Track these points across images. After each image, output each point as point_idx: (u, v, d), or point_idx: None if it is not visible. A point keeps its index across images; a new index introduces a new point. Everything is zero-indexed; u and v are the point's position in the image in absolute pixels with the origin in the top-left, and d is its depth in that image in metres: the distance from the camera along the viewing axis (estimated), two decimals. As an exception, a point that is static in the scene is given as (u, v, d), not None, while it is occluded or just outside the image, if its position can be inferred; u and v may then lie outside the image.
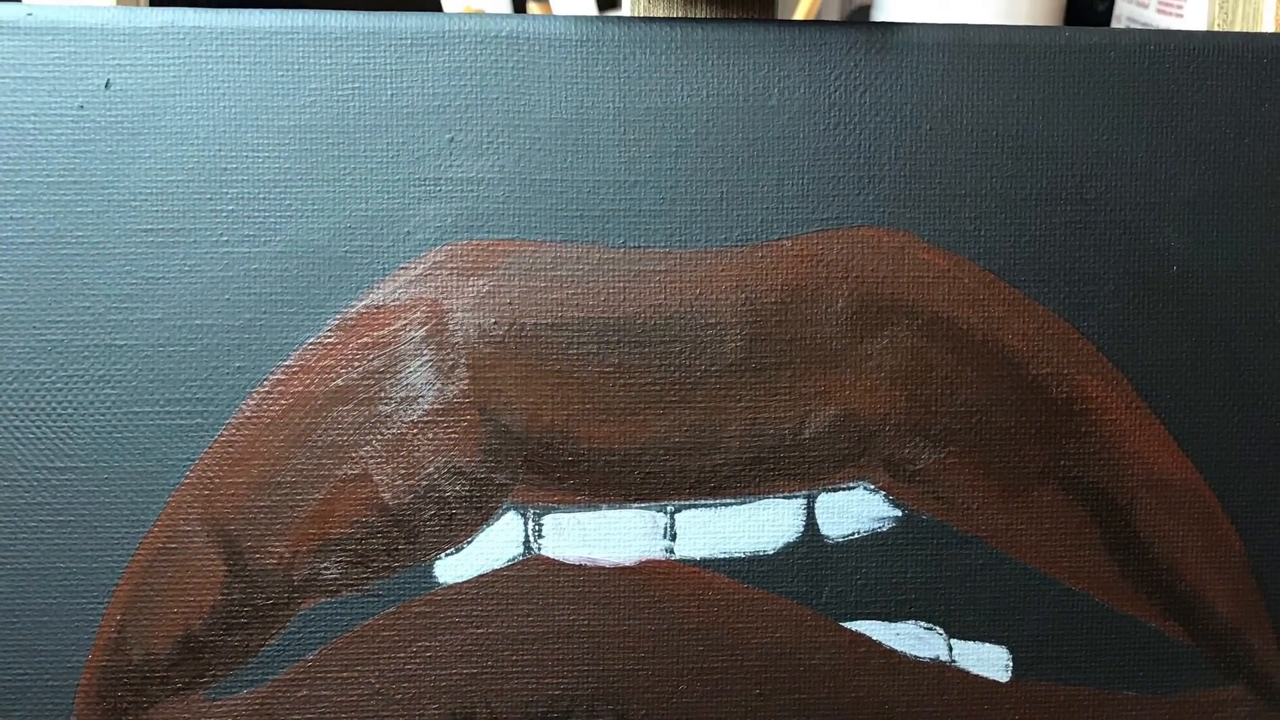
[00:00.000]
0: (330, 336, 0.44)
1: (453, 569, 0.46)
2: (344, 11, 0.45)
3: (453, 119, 0.45)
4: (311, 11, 0.45)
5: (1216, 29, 0.50)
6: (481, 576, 0.46)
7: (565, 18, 0.45)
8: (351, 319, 0.44)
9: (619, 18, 0.46)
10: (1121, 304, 0.48)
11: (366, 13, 0.45)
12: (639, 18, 0.46)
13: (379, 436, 0.45)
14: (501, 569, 0.46)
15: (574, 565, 0.47)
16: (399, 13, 0.45)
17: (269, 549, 0.45)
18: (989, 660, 0.48)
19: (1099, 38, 0.47)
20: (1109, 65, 0.47)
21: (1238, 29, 0.49)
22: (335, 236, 0.45)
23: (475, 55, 0.45)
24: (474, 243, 0.45)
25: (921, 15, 0.80)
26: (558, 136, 0.46)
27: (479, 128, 0.45)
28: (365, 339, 0.45)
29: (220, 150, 0.44)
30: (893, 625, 0.48)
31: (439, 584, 0.46)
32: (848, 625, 0.48)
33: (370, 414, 0.45)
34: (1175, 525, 0.48)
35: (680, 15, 0.48)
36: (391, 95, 0.45)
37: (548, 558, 0.46)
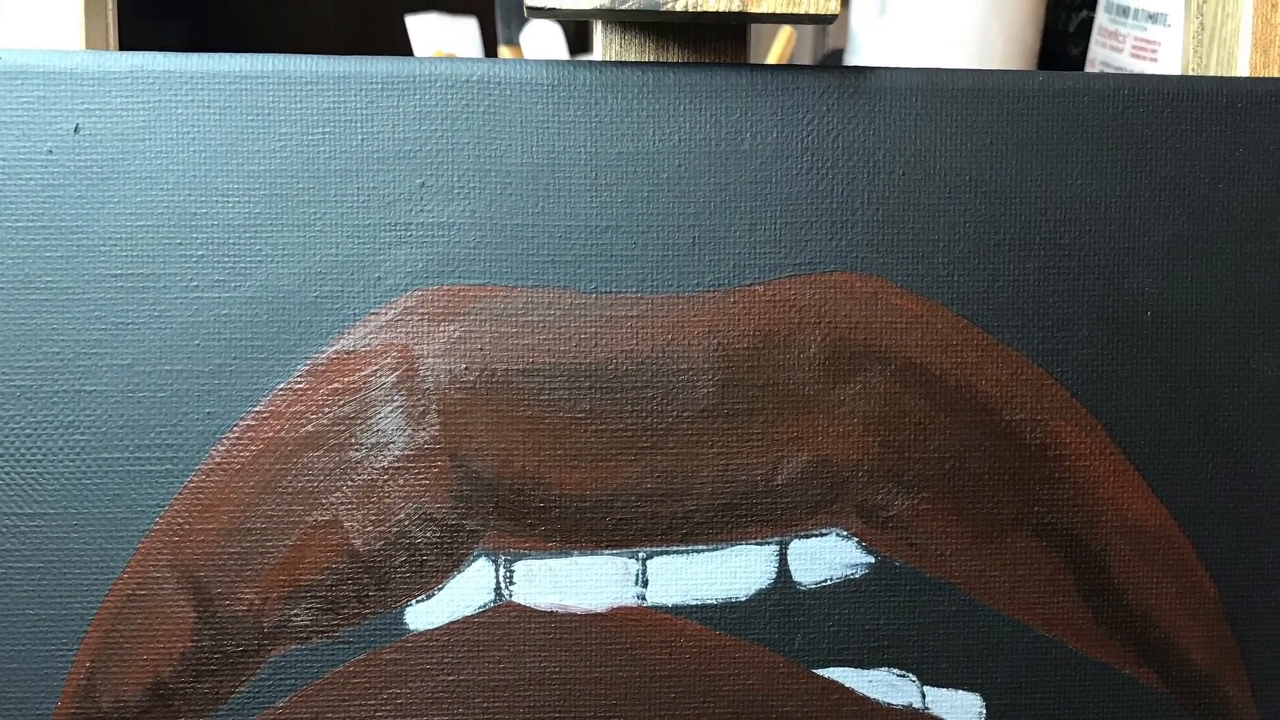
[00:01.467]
0: (300, 382, 0.42)
1: (424, 616, 0.44)
2: (314, 56, 0.43)
3: (423, 164, 0.43)
4: (282, 56, 0.43)
5: (1191, 73, 0.48)
6: (453, 623, 0.44)
7: (536, 62, 0.44)
8: (322, 364, 0.42)
9: (590, 62, 0.44)
10: (1095, 349, 0.46)
11: (337, 57, 0.43)
12: (610, 62, 0.44)
13: (350, 483, 0.43)
14: (473, 616, 0.44)
15: (545, 612, 0.45)
16: (369, 57, 0.43)
17: (239, 595, 0.43)
18: (962, 707, 0.46)
19: (1072, 82, 0.45)
20: (1083, 110, 0.45)
21: (1212, 73, 0.47)
22: (305, 282, 0.43)
23: (446, 100, 0.43)
24: (445, 288, 0.43)
25: (894, 59, 0.78)
26: (529, 181, 0.44)
27: (450, 172, 0.43)
28: (336, 384, 0.43)
29: (190, 195, 0.42)
30: (865, 672, 0.46)
31: (410, 631, 0.44)
32: (820, 672, 0.46)
33: (341, 460, 0.43)
34: (1149, 571, 0.46)
35: (652, 59, 0.46)
36: (362, 140, 0.43)
37: (519, 604, 0.44)
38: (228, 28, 1.00)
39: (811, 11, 0.43)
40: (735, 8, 0.43)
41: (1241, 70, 0.46)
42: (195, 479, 0.43)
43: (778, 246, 0.44)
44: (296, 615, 0.43)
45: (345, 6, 1.03)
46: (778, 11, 0.43)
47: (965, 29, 0.76)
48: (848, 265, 0.45)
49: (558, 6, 0.42)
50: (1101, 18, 0.78)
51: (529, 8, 0.42)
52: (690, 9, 0.43)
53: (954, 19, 0.76)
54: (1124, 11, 0.75)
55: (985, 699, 0.46)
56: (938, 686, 0.46)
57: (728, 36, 0.46)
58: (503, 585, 0.44)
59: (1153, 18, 0.72)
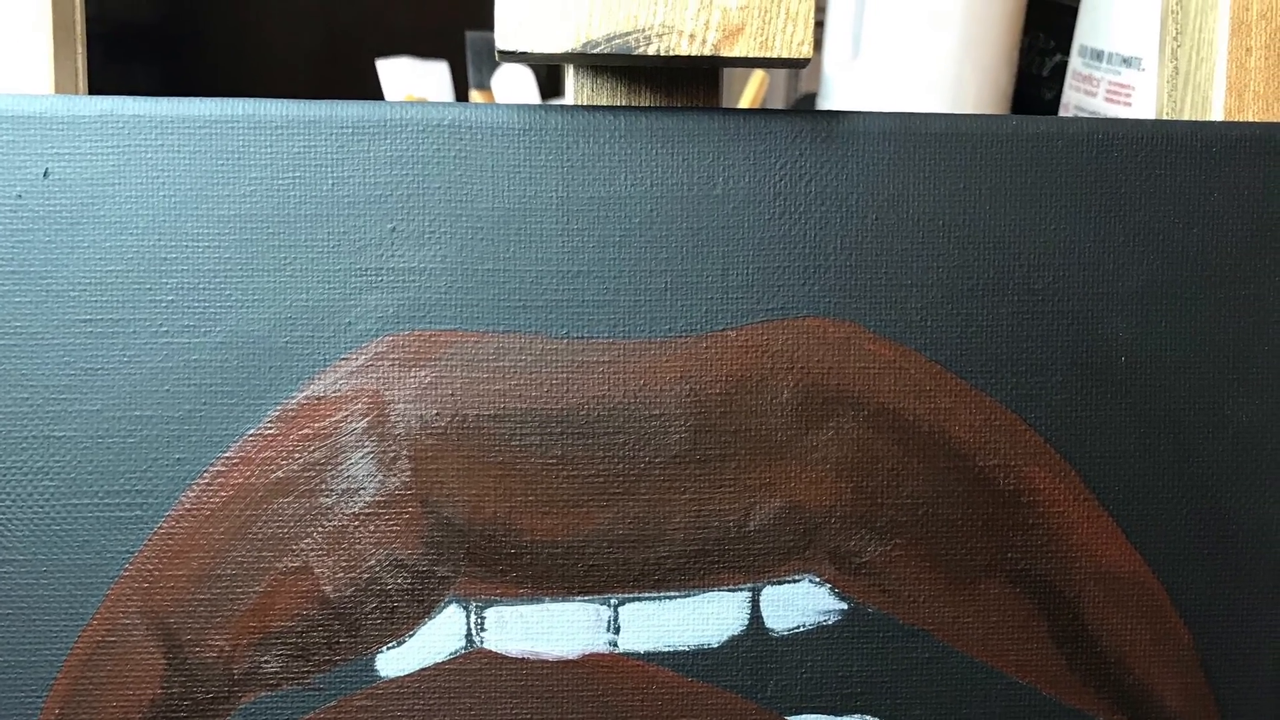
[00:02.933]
0: (271, 428, 0.40)
1: (394, 662, 0.42)
2: (285, 100, 0.41)
3: (394, 208, 0.41)
4: (252, 100, 0.41)
5: (1165, 117, 0.45)
6: (424, 670, 0.42)
7: (507, 106, 0.42)
8: (292, 410, 0.40)
9: (562, 106, 0.42)
10: (1069, 395, 0.44)
11: (307, 101, 0.41)
12: (582, 106, 0.42)
13: (321, 529, 0.41)
14: (444, 662, 0.42)
15: (517, 659, 0.43)
16: (340, 101, 0.40)
17: (209, 642, 0.41)
18: (935, 754, 0.43)
19: (1046, 126, 0.43)
20: (1056, 154, 0.43)
21: (1187, 117, 0.45)
22: (276, 327, 0.41)
23: (417, 144, 0.41)
24: (416, 333, 0.41)
25: (867, 103, 0.76)
26: (500, 226, 0.42)
27: (421, 217, 0.41)
28: (306, 430, 0.41)
29: (159, 240, 0.41)
30: (837, 719, 0.43)
31: (380, 677, 0.42)
32: (793, 719, 0.42)
33: (311, 506, 0.41)
34: (1123, 618, 0.44)
35: (624, 103, 0.44)
36: (333, 184, 0.40)
37: (490, 651, 0.42)
38: (198, 72, 0.98)
39: (784, 55, 0.41)
40: (708, 52, 0.41)
41: (1216, 114, 0.44)
42: (165, 525, 0.41)
43: (750, 291, 0.42)
44: (267, 662, 0.42)
45: (316, 50, 1.01)
46: (750, 55, 0.41)
47: (938, 73, 0.74)
48: (820, 310, 0.43)
49: (530, 50, 0.40)
50: (1075, 62, 0.76)
51: (501, 51, 0.40)
52: (663, 53, 0.41)
53: (927, 63, 0.74)
54: (1098, 55, 0.73)
55: (959, 746, 0.43)
56: (911, 733, 0.43)
57: (700, 80, 0.44)
58: (474, 632, 0.42)
59: (1127, 61, 0.70)
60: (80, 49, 0.46)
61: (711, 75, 0.45)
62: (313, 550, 0.41)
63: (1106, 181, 0.44)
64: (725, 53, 0.41)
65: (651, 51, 0.41)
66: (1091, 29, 0.74)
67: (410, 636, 0.42)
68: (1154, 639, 0.45)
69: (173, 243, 0.41)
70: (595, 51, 0.41)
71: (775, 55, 0.41)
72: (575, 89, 0.44)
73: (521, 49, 0.41)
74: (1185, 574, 0.45)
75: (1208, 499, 0.45)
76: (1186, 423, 0.44)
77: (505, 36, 0.41)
